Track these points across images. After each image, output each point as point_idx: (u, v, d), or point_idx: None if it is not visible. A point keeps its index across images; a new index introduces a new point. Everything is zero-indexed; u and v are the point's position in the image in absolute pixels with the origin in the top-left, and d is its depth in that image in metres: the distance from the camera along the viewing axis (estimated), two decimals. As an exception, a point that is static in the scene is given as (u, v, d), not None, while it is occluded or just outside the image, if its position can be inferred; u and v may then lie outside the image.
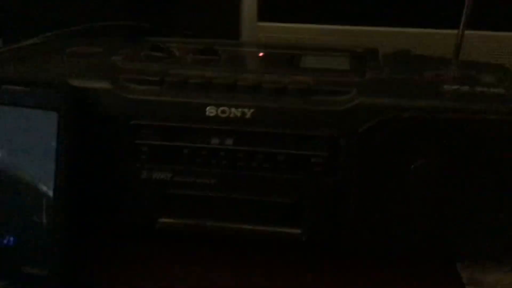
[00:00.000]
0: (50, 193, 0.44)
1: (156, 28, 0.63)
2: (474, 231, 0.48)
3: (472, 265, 0.50)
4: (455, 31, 0.56)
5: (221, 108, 0.45)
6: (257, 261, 0.50)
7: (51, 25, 0.58)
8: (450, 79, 0.48)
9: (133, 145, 0.46)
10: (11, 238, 0.45)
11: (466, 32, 0.57)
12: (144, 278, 0.48)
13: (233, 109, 0.45)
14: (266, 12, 0.71)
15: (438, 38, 0.67)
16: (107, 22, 0.58)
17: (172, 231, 0.49)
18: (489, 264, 0.50)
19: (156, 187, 0.48)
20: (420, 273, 0.50)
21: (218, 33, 0.69)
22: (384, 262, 0.50)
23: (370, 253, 0.50)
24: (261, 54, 0.54)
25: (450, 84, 0.47)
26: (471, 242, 0.49)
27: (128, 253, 0.51)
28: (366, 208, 0.47)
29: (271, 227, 0.48)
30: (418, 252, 0.49)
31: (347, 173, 0.46)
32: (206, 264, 0.50)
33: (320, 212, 0.47)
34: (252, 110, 0.45)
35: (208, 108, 0.45)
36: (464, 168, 0.46)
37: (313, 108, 0.45)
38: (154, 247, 0.52)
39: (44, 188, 0.44)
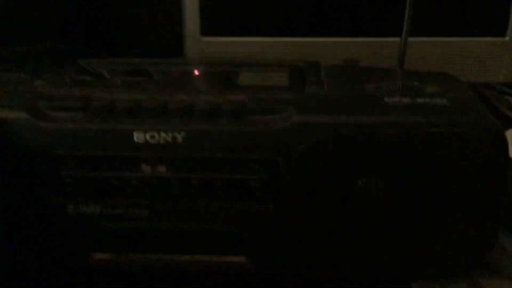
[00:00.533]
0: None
1: (89, 49, 0.59)
2: (428, 249, 0.46)
3: (428, 285, 0.48)
4: (398, 39, 0.55)
5: (150, 133, 0.42)
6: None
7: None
8: (391, 91, 0.46)
9: (57, 177, 0.43)
10: None
11: (412, 39, 0.55)
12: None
13: (163, 134, 0.42)
14: (209, 27, 0.69)
15: (384, 46, 0.66)
16: (33, 46, 0.54)
17: (107, 266, 0.46)
18: (445, 282, 0.49)
19: (86, 222, 0.44)
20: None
21: (162, 50, 0.67)
22: (335, 285, 0.48)
23: (320, 278, 0.47)
24: (196, 72, 0.51)
25: (391, 97, 0.45)
26: (425, 261, 0.47)
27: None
28: (312, 232, 0.45)
29: (214, 257, 0.45)
30: (370, 274, 0.47)
31: (289, 197, 0.43)
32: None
33: (264, 239, 0.45)
34: (183, 134, 0.42)
35: (135, 133, 0.42)
36: (411, 184, 0.44)
37: (249, 129, 0.42)
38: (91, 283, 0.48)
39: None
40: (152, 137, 0.42)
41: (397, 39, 0.55)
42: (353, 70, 0.53)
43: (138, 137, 0.42)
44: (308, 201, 0.44)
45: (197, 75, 0.51)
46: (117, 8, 0.78)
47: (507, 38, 0.70)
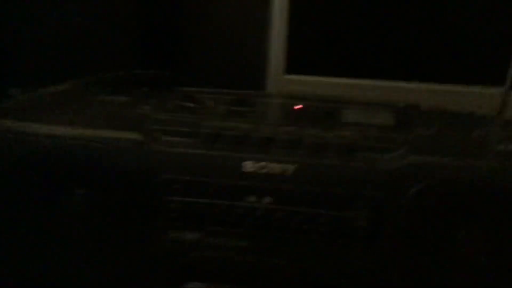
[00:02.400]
0: None
1: (182, 78, 0.60)
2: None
3: None
4: (499, 89, 0.54)
5: (259, 164, 0.42)
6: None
7: (68, 75, 0.56)
8: (499, 138, 0.45)
9: (163, 201, 0.43)
10: None
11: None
12: None
13: (272, 165, 0.42)
14: (293, 65, 0.70)
15: (473, 96, 0.65)
16: (134, 71, 0.56)
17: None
18: None
19: (184, 249, 0.44)
20: None
21: (243, 85, 0.67)
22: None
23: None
24: (297, 106, 0.51)
25: (500, 143, 0.44)
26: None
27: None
28: (411, 276, 0.43)
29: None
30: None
31: (391, 238, 0.42)
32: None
33: (361, 278, 0.43)
34: (293, 166, 0.41)
35: (245, 163, 0.42)
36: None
37: (358, 166, 0.42)
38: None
39: None
40: (262, 167, 0.42)
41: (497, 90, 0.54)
42: (452, 115, 0.52)
43: (247, 166, 0.42)
44: (411, 244, 0.42)
45: (298, 109, 0.51)
46: (204, 40, 0.80)
47: None
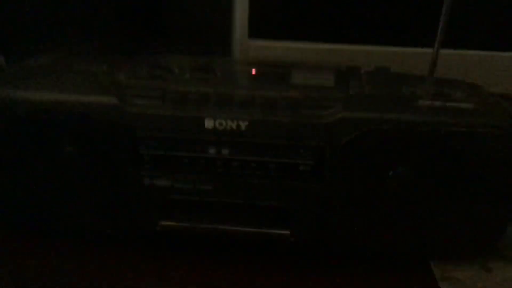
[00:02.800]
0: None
1: (155, 46, 0.67)
2: (446, 232, 0.53)
3: (443, 264, 0.55)
4: (431, 50, 0.61)
5: (218, 121, 0.49)
6: (250, 260, 0.55)
7: (51, 42, 0.62)
8: (424, 95, 0.53)
9: (137, 154, 0.51)
10: None
11: (441, 51, 0.62)
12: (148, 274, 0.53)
13: (229, 122, 0.49)
14: (256, 30, 0.76)
15: (414, 56, 0.73)
16: (111, 41, 0.62)
17: (171, 233, 0.54)
18: (459, 262, 0.56)
19: (158, 193, 0.52)
20: (397, 270, 0.54)
21: (211, 50, 0.74)
22: (364, 261, 0.55)
23: (352, 252, 0.54)
24: (253, 71, 0.59)
25: (424, 99, 0.52)
26: (443, 242, 0.54)
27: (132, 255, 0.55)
28: (349, 211, 0.52)
29: (263, 229, 0.53)
30: (395, 251, 0.54)
31: (331, 180, 0.51)
32: (203, 264, 0.54)
33: (308, 215, 0.52)
34: (246, 123, 0.49)
35: (206, 120, 0.50)
36: (437, 175, 0.51)
37: (302, 121, 0.50)
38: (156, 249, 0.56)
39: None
40: (220, 124, 0.50)
41: (428, 50, 0.62)
42: (389, 76, 0.60)
43: (208, 123, 0.50)
44: (347, 184, 0.51)
45: (254, 73, 0.58)
46: (169, 9, 0.86)
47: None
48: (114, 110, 0.50)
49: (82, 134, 0.51)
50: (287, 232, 0.53)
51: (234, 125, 0.50)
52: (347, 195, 0.51)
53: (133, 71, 0.56)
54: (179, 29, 0.88)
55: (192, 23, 0.89)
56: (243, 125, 0.49)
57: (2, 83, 0.53)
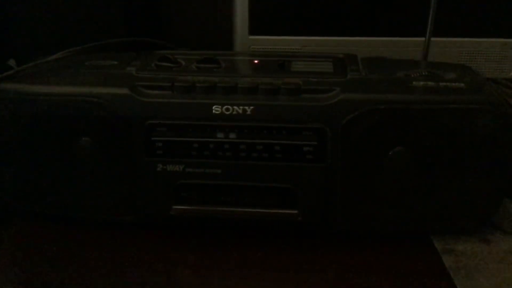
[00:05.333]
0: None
1: (161, 43, 0.71)
2: (446, 207, 0.56)
3: (444, 237, 0.58)
4: (423, 39, 0.65)
5: (225, 107, 0.53)
6: (259, 239, 0.58)
7: (60, 45, 0.65)
8: (418, 77, 0.56)
9: (150, 141, 0.54)
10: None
11: (433, 39, 0.66)
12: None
13: (235, 107, 0.53)
14: (256, 26, 0.80)
15: (408, 45, 0.76)
16: (119, 39, 0.65)
17: (184, 217, 0.57)
18: (458, 236, 0.58)
19: (170, 178, 0.55)
20: (400, 245, 0.57)
21: (213, 47, 0.77)
22: (367, 236, 0.58)
23: (355, 228, 0.57)
24: (256, 61, 0.62)
25: (418, 81, 0.55)
26: (442, 217, 0.57)
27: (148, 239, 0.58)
28: (351, 189, 0.55)
29: (271, 209, 0.56)
30: (397, 227, 0.57)
31: (334, 159, 0.54)
32: (214, 244, 0.57)
33: (313, 194, 0.55)
34: (252, 108, 0.53)
35: (214, 106, 0.53)
36: (433, 151, 0.54)
37: (303, 104, 0.53)
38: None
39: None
40: (227, 109, 0.53)
41: (420, 39, 0.65)
42: (385, 61, 0.63)
43: (216, 109, 0.53)
44: (349, 163, 0.54)
45: (256, 63, 0.61)
46: (181, 9, 0.90)
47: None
48: (127, 100, 0.53)
49: (97, 125, 0.54)
50: (295, 211, 0.56)
51: (240, 110, 0.53)
52: (348, 174, 0.54)
53: (142, 65, 0.59)
54: (183, 29, 0.92)
55: (195, 22, 0.93)
56: (249, 109, 0.53)
57: (17, 78, 0.56)
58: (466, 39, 0.79)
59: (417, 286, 0.52)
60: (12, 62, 0.63)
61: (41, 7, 0.77)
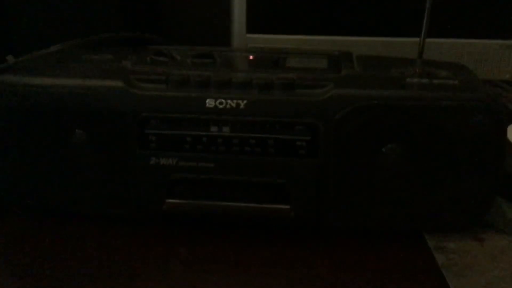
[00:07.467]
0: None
1: (158, 39, 0.71)
2: (438, 205, 0.56)
3: (437, 235, 0.58)
4: (417, 39, 0.65)
5: (219, 101, 0.53)
6: (252, 234, 0.58)
7: (57, 41, 0.65)
8: (412, 74, 0.56)
9: (143, 134, 0.54)
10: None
11: (429, 39, 0.66)
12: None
13: (229, 101, 0.53)
14: (253, 25, 0.80)
15: (405, 45, 0.76)
16: (116, 34, 0.65)
17: (176, 211, 0.57)
18: (451, 234, 0.58)
19: (163, 172, 0.55)
20: (393, 241, 0.57)
21: (210, 45, 0.78)
22: (360, 233, 0.58)
23: (348, 224, 0.57)
24: (251, 57, 0.62)
25: (412, 78, 0.55)
26: (435, 214, 0.57)
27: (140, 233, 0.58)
28: (344, 185, 0.55)
29: (263, 204, 0.56)
30: (390, 224, 0.57)
31: (327, 155, 0.54)
32: (206, 239, 0.57)
33: (305, 190, 0.55)
34: (245, 102, 0.53)
35: (207, 100, 0.53)
36: (426, 148, 0.54)
37: (296, 99, 0.53)
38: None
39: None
40: (221, 103, 0.53)
41: (416, 39, 0.65)
42: (379, 59, 0.64)
43: (209, 103, 0.53)
44: (342, 158, 0.54)
45: (251, 59, 0.62)
46: (178, 6, 0.90)
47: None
48: (121, 93, 0.53)
49: (91, 117, 0.54)
50: (287, 207, 0.56)
51: (233, 104, 0.53)
52: (341, 169, 0.54)
53: (137, 59, 0.59)
54: (181, 28, 0.92)
55: (193, 21, 0.93)
56: (242, 104, 0.53)
57: (12, 70, 0.56)
58: (463, 40, 0.79)
59: (409, 283, 0.52)
60: (10, 58, 0.63)
61: (38, 2, 0.77)
